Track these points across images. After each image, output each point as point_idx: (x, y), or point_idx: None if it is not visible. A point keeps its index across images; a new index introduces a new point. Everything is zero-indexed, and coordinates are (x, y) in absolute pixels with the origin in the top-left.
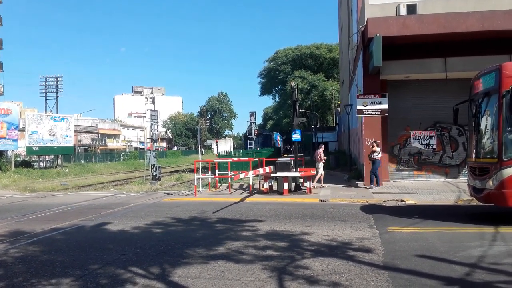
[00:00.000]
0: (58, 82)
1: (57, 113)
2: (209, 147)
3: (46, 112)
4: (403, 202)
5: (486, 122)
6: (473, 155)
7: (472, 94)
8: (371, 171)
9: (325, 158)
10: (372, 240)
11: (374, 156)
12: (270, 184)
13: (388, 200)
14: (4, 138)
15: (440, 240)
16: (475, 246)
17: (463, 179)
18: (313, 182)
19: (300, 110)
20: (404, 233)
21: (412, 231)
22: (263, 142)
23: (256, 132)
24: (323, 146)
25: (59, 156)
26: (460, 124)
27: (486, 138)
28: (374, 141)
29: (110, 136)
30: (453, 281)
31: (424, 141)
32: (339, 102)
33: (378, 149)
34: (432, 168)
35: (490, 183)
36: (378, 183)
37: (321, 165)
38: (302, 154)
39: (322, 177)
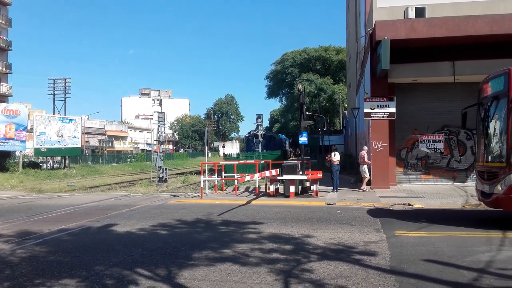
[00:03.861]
0: (66, 84)
1: (65, 114)
2: (216, 150)
3: (54, 114)
4: (410, 206)
5: (494, 126)
6: (482, 159)
7: (481, 98)
8: (333, 176)
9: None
10: (379, 244)
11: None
12: (277, 187)
13: (395, 204)
14: (13, 139)
15: (448, 244)
16: (483, 251)
17: (471, 183)
18: (363, 186)
19: (307, 113)
20: (411, 237)
21: (419, 235)
22: (266, 145)
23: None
24: (366, 147)
25: (67, 157)
26: (468, 128)
27: (494, 142)
28: (333, 145)
29: (117, 138)
30: (461, 286)
31: (431, 144)
32: (346, 105)
33: (332, 154)
34: (440, 172)
35: (499, 187)
36: (336, 188)
37: (365, 167)
38: (308, 157)
39: (365, 180)
